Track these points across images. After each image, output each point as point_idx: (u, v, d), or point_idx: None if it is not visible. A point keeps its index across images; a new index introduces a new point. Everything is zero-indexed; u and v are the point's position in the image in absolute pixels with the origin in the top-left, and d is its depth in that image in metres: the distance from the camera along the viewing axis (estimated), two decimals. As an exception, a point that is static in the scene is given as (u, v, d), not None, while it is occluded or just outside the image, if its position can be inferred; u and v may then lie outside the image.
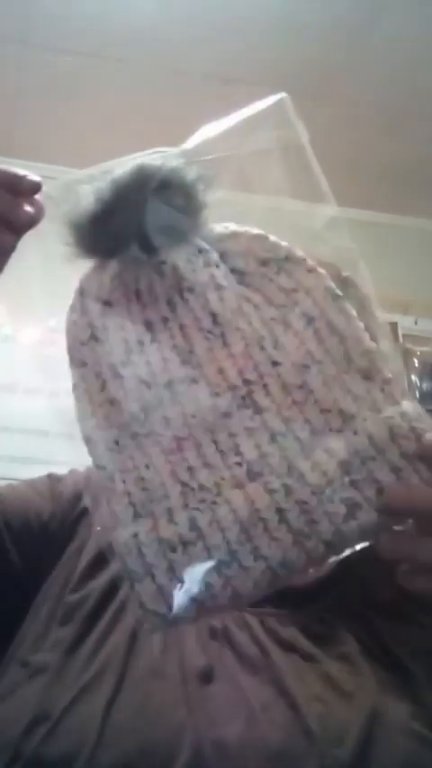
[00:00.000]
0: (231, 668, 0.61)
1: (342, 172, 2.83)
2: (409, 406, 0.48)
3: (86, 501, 0.63)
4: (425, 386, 2.52)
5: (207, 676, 0.60)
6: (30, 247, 0.55)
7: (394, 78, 2.21)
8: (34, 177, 0.52)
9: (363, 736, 0.57)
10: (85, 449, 0.81)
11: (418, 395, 2.48)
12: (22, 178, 0.52)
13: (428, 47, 2.08)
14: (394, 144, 2.47)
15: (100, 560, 0.69)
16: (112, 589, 0.67)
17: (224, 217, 0.53)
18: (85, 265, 0.54)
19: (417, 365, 2.40)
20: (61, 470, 0.81)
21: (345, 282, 0.69)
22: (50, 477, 0.79)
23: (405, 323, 2.41)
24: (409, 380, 2.26)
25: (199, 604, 0.46)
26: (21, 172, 0.52)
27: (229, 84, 2.25)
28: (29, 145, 2.44)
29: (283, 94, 0.51)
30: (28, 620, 0.69)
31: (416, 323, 2.40)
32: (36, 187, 0.52)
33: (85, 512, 0.74)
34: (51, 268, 0.56)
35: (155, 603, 0.46)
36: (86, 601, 0.67)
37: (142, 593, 0.46)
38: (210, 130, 0.52)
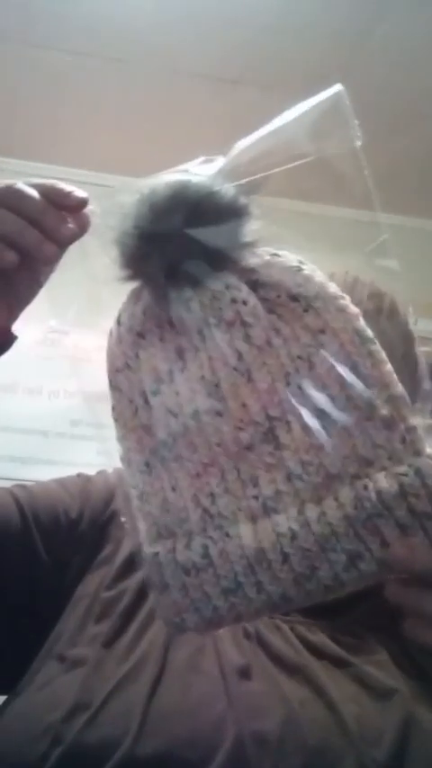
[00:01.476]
0: (268, 668, 0.62)
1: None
2: (427, 461, 0.47)
3: (118, 502, 0.65)
4: (425, 386, 2.52)
5: (245, 673, 0.60)
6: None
7: (394, 79, 2.21)
8: (81, 193, 0.54)
9: (398, 739, 0.57)
10: (84, 449, 0.81)
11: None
12: (69, 194, 0.54)
13: (428, 48, 2.08)
14: (394, 144, 2.47)
15: (134, 559, 0.69)
16: (147, 587, 0.67)
17: (266, 231, 0.52)
18: (85, 272, 0.56)
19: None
20: (61, 470, 0.82)
21: (387, 314, 0.69)
22: (80, 476, 0.80)
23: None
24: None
25: (206, 621, 0.50)
26: (68, 187, 0.54)
27: (229, 84, 2.25)
28: (28, 144, 2.44)
29: (339, 87, 0.49)
30: (64, 617, 0.69)
31: (416, 323, 2.40)
32: (82, 203, 0.54)
33: (116, 513, 0.75)
34: (55, 272, 0.58)
35: (169, 614, 0.51)
36: (122, 597, 0.68)
37: (161, 603, 0.52)
38: (249, 142, 0.50)
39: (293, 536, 0.47)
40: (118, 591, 0.68)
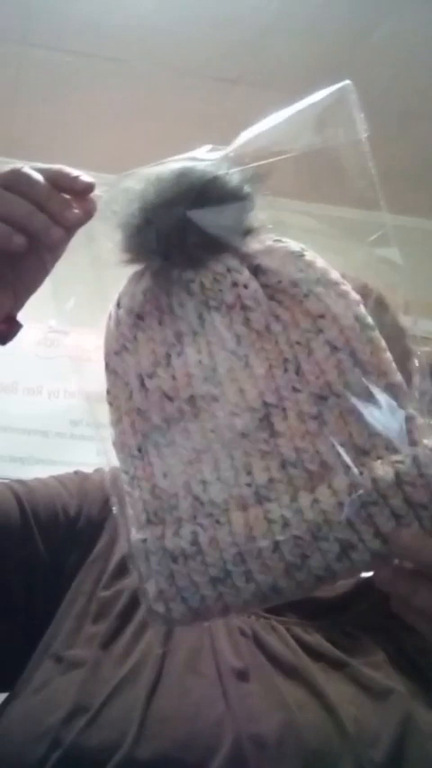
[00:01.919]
0: (265, 669, 0.62)
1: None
2: (425, 450, 0.46)
3: (112, 501, 0.65)
4: (425, 386, 2.52)
5: (243, 675, 0.60)
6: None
7: (395, 79, 2.21)
8: (87, 178, 0.54)
9: (396, 739, 0.58)
10: (84, 449, 0.81)
11: (417, 395, 2.48)
12: (75, 179, 0.54)
13: (428, 48, 2.08)
14: (395, 144, 2.47)
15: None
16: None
17: (269, 220, 0.52)
18: (85, 271, 0.56)
19: (416, 365, 2.40)
20: (61, 470, 0.82)
21: (382, 307, 0.69)
22: (78, 474, 0.80)
23: (405, 323, 2.42)
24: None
25: (192, 612, 0.49)
26: (74, 172, 0.55)
27: (229, 84, 2.25)
28: (28, 144, 2.44)
29: (346, 82, 0.48)
30: (60, 616, 0.69)
31: (416, 323, 2.41)
32: (89, 188, 0.54)
33: (112, 511, 0.75)
34: (55, 272, 0.58)
35: (155, 603, 0.49)
36: (119, 598, 0.68)
37: (147, 592, 0.50)
38: (255, 131, 0.50)
39: (285, 523, 0.46)
40: (115, 591, 0.68)
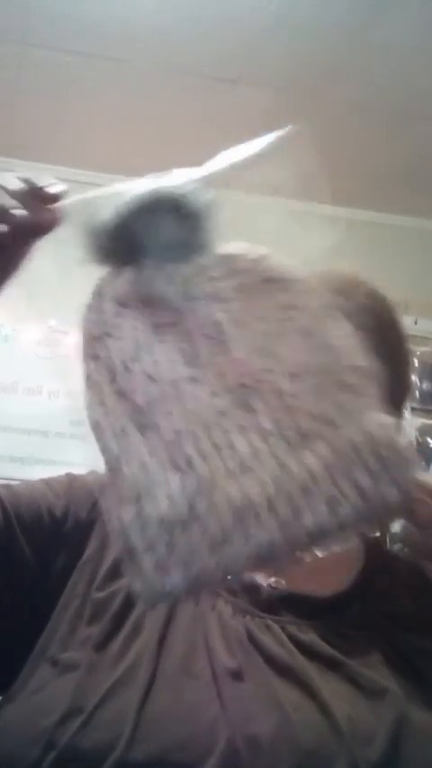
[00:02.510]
0: (260, 669, 0.62)
1: (342, 172, 2.83)
2: (387, 418, 0.53)
3: (102, 503, 0.65)
4: (425, 386, 2.53)
5: (238, 675, 0.61)
6: (43, 253, 0.58)
7: (394, 78, 2.21)
8: (59, 187, 0.57)
9: (391, 739, 0.58)
10: (84, 449, 0.81)
11: (418, 395, 2.48)
12: (47, 187, 0.57)
13: (428, 47, 2.08)
14: (394, 144, 2.47)
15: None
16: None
17: (235, 232, 0.58)
18: (85, 272, 0.58)
19: (416, 365, 2.41)
20: (61, 471, 0.81)
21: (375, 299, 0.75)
22: (68, 476, 0.80)
23: (405, 323, 2.42)
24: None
25: (193, 579, 0.50)
26: (46, 180, 0.57)
27: (229, 84, 2.25)
28: (28, 145, 2.44)
29: (293, 126, 0.57)
30: (54, 619, 0.69)
31: (416, 323, 2.41)
32: (58, 197, 0.57)
33: (102, 512, 0.75)
34: (68, 273, 0.59)
35: (153, 576, 0.50)
36: (113, 599, 0.67)
37: (143, 567, 0.50)
38: (224, 156, 0.56)
39: (277, 484, 0.50)
40: (109, 592, 0.68)
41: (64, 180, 0.60)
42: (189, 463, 0.51)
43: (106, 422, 0.53)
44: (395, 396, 0.77)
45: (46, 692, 0.63)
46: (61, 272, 0.60)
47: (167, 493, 0.51)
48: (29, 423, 2.46)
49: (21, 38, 2.12)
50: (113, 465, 0.53)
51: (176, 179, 0.55)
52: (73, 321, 0.62)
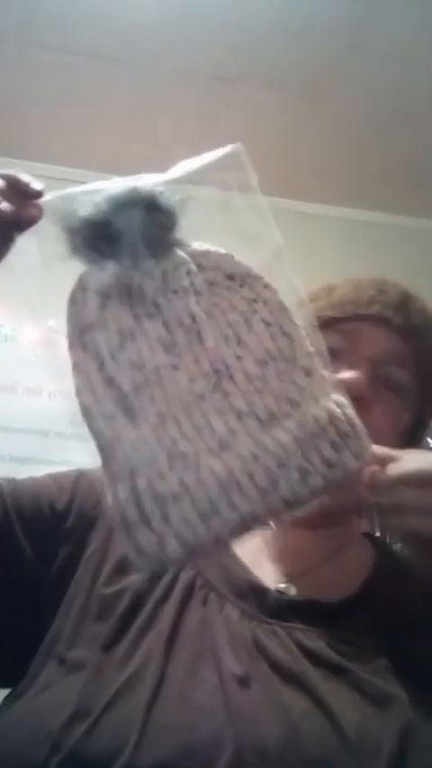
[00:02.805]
0: (267, 676, 0.62)
1: (342, 172, 2.82)
2: (339, 397, 0.60)
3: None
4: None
5: (244, 682, 0.60)
6: (30, 250, 0.61)
7: (394, 78, 2.21)
8: (38, 184, 0.59)
9: (397, 748, 0.58)
10: (84, 449, 0.81)
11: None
12: (28, 184, 0.59)
13: (428, 47, 2.08)
14: (394, 144, 2.47)
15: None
16: (146, 588, 0.68)
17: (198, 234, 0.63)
18: (81, 268, 0.61)
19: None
20: (60, 470, 0.81)
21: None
22: (77, 471, 0.80)
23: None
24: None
25: (188, 548, 0.54)
26: (26, 178, 0.59)
27: (229, 84, 2.25)
28: (28, 144, 2.44)
29: (237, 145, 0.61)
30: (60, 615, 0.69)
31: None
32: (39, 193, 0.59)
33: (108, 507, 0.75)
34: (50, 269, 0.60)
35: (150, 547, 0.54)
36: (121, 597, 0.67)
37: (140, 539, 0.54)
38: (185, 165, 0.61)
39: (255, 458, 0.56)
40: (116, 590, 0.68)
41: (64, 180, 0.61)
42: (174, 443, 0.56)
43: (96, 407, 0.57)
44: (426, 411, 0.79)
45: (52, 691, 0.63)
46: (61, 273, 0.60)
47: (158, 470, 0.55)
48: (29, 423, 2.45)
49: (21, 38, 2.12)
50: (105, 447, 0.57)
51: (147, 180, 0.59)
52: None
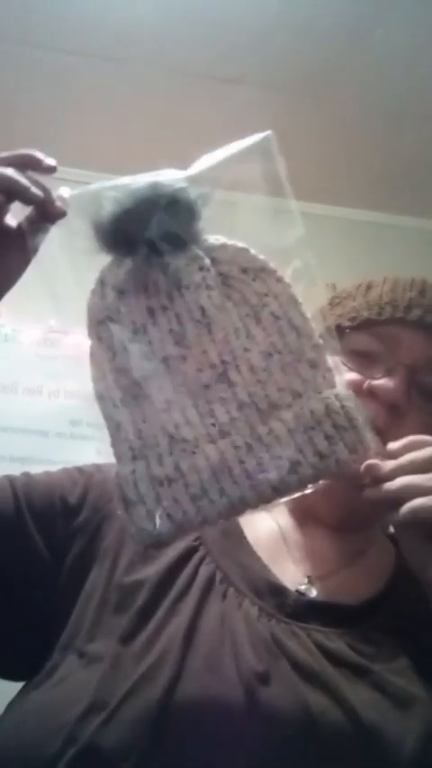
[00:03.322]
0: (286, 673, 0.61)
1: (342, 172, 2.82)
2: (342, 390, 0.61)
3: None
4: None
5: (264, 679, 0.60)
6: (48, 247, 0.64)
7: (394, 78, 2.21)
8: (51, 160, 0.62)
9: (420, 746, 0.58)
10: (84, 449, 0.81)
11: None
12: (42, 160, 0.62)
13: (428, 47, 2.08)
14: (394, 144, 2.47)
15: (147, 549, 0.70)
16: (165, 581, 0.67)
17: (217, 227, 0.65)
18: (80, 268, 0.64)
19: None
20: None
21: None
22: (93, 465, 0.79)
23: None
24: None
25: (177, 525, 0.58)
26: (39, 155, 0.62)
27: (229, 84, 2.25)
28: (28, 144, 2.44)
29: (268, 132, 0.63)
30: (79, 608, 0.68)
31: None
32: (54, 168, 0.62)
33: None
34: (74, 264, 0.64)
35: (144, 523, 0.59)
36: (140, 589, 0.67)
37: (135, 515, 0.59)
38: (208, 158, 0.63)
39: (248, 448, 0.59)
40: (135, 581, 0.68)
41: (64, 180, 0.61)
42: (177, 428, 0.60)
43: (107, 394, 0.61)
44: None
45: (70, 682, 0.62)
46: (61, 272, 0.61)
47: (157, 453, 0.60)
48: (29, 423, 2.45)
49: (21, 38, 2.12)
50: (114, 431, 0.61)
51: (167, 176, 0.62)
52: (73, 321, 0.64)
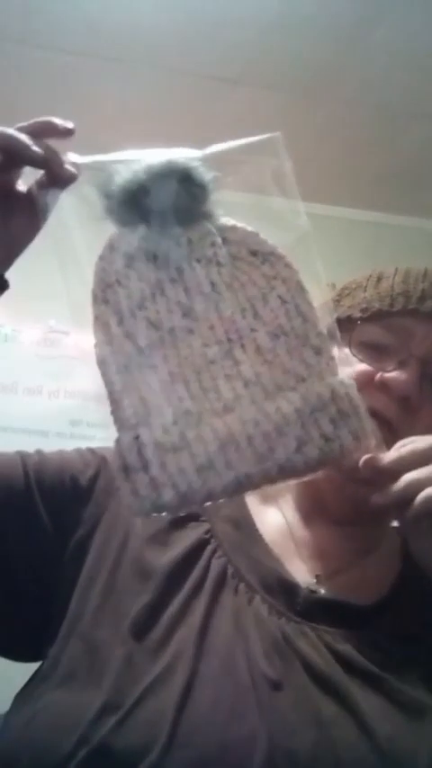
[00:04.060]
0: (299, 678, 0.60)
1: (342, 172, 2.83)
2: (345, 377, 0.62)
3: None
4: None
5: (277, 685, 0.59)
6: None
7: (393, 78, 2.21)
8: (70, 123, 0.63)
9: None
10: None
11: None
12: (57, 125, 0.62)
13: (428, 47, 2.08)
14: (394, 144, 2.47)
15: (157, 533, 0.69)
16: (177, 573, 0.66)
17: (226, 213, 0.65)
18: (90, 237, 0.64)
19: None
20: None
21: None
22: (108, 448, 0.77)
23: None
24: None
25: (181, 496, 0.57)
26: (58, 120, 0.63)
27: (228, 84, 2.25)
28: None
29: (277, 134, 0.64)
30: (82, 590, 0.67)
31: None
32: (71, 131, 0.63)
33: None
34: (84, 230, 0.63)
35: (147, 491, 0.57)
36: (150, 578, 0.66)
37: (137, 483, 0.58)
38: (222, 145, 0.64)
39: (256, 423, 0.59)
40: (144, 567, 0.67)
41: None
42: (181, 401, 0.59)
43: (112, 359, 0.61)
44: None
45: (80, 679, 0.61)
46: (71, 240, 0.61)
47: (161, 423, 0.59)
48: (29, 423, 2.45)
49: (21, 38, 2.12)
50: (116, 397, 0.60)
51: (180, 153, 0.62)
52: (73, 321, 0.64)
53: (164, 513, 0.59)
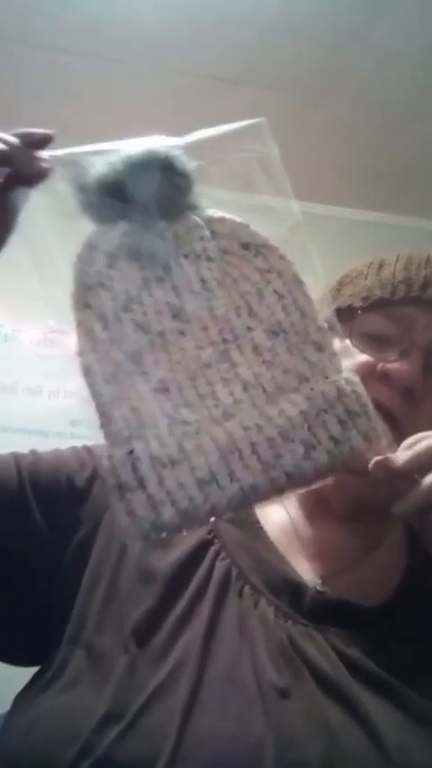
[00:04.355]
0: (307, 685, 0.59)
1: (341, 172, 2.83)
2: (350, 374, 0.58)
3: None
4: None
5: (284, 692, 0.58)
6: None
7: (394, 78, 2.21)
8: (46, 131, 0.60)
9: None
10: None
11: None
12: (34, 132, 0.60)
13: (428, 47, 2.08)
14: (394, 144, 2.47)
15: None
16: (180, 576, 0.65)
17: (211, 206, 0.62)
18: (66, 236, 0.60)
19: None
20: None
21: None
22: (104, 446, 0.77)
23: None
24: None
25: (182, 514, 0.52)
26: (31, 129, 0.60)
27: (229, 84, 2.25)
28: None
29: (262, 119, 0.60)
30: (84, 596, 0.66)
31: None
32: (48, 139, 0.59)
33: None
34: (58, 229, 0.60)
35: (144, 511, 0.52)
36: (152, 582, 0.64)
37: (133, 502, 0.53)
38: (203, 132, 0.61)
39: (259, 429, 0.55)
40: (146, 571, 0.65)
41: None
42: (176, 409, 0.55)
43: (98, 367, 0.56)
44: None
45: (83, 686, 0.60)
46: (45, 240, 0.59)
47: (157, 434, 0.54)
48: (29, 423, 2.46)
49: (21, 38, 2.12)
50: (105, 409, 0.55)
51: (160, 142, 0.59)
52: (58, 294, 0.61)
53: (164, 534, 0.53)
